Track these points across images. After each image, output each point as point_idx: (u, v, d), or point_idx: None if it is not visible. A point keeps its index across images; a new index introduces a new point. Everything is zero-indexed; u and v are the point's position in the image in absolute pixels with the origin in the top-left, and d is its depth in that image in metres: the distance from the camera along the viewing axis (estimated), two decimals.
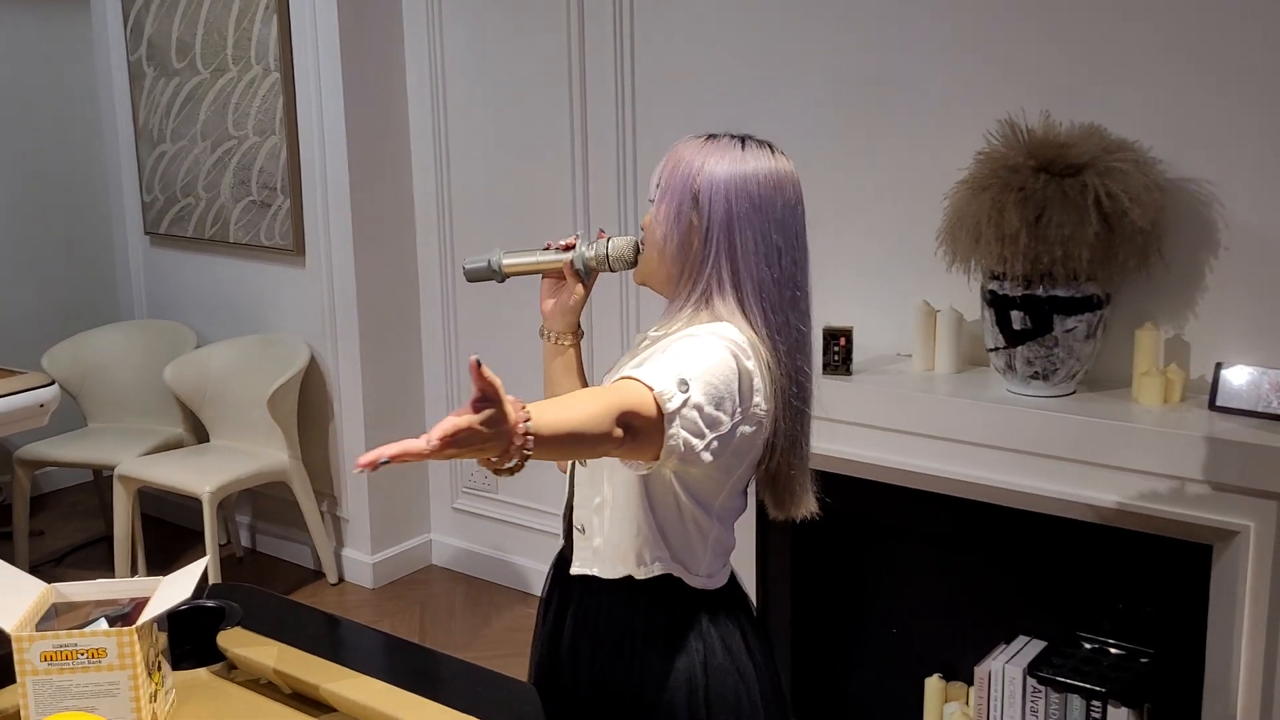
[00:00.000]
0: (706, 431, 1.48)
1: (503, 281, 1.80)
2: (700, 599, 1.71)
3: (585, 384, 1.85)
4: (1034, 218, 2.60)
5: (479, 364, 1.22)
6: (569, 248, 1.78)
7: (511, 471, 1.35)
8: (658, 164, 1.73)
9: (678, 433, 1.45)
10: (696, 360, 1.51)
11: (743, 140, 1.71)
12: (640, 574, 1.68)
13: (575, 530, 1.75)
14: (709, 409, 1.49)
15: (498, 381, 1.24)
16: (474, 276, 1.78)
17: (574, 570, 1.75)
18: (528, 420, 1.28)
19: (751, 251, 1.65)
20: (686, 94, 3.53)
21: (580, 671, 1.75)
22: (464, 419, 1.22)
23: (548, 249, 1.78)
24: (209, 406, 4.36)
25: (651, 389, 1.44)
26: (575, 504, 1.75)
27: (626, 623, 1.71)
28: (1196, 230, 2.76)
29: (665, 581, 1.68)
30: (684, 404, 1.45)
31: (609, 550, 1.70)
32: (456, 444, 1.22)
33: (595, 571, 1.72)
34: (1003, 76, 2.96)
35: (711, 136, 1.72)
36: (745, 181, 1.67)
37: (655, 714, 1.67)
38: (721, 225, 1.65)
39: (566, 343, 1.84)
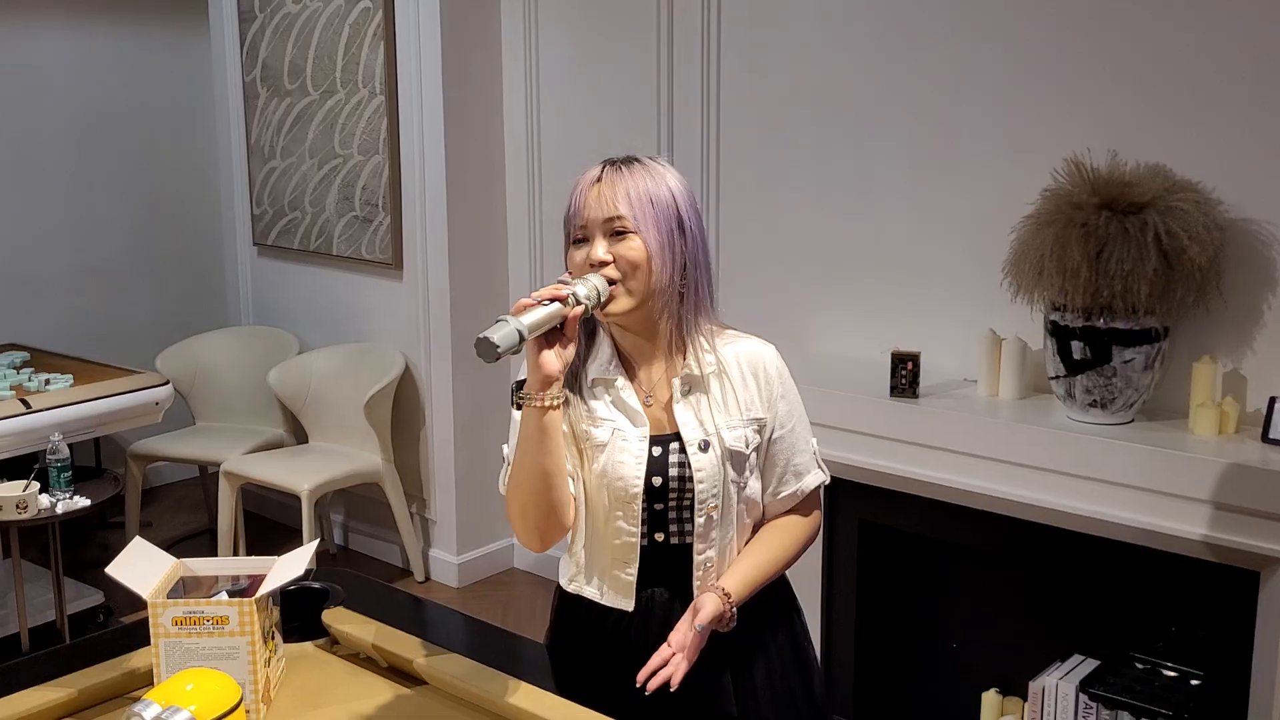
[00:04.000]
0: None
1: (518, 351, 1.65)
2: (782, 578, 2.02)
3: None
4: (1095, 253, 2.71)
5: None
6: (559, 298, 1.67)
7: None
8: (580, 198, 1.78)
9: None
10: (800, 402, 1.93)
11: (651, 157, 1.84)
12: None
13: (702, 571, 1.83)
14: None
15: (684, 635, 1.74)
16: (506, 349, 1.59)
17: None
18: (729, 599, 1.78)
19: (712, 262, 1.88)
20: (770, 122, 3.69)
21: (742, 678, 1.89)
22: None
23: (540, 305, 1.65)
24: (309, 409, 4.61)
25: (824, 484, 1.97)
26: (699, 551, 1.82)
27: (773, 621, 1.95)
28: (1257, 268, 2.85)
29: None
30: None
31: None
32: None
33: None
34: (1072, 117, 3.07)
35: (627, 161, 1.81)
36: (693, 198, 1.85)
37: (808, 678, 2.00)
38: (700, 246, 1.83)
39: (562, 400, 1.73)
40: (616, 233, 1.76)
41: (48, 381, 3.99)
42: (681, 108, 3.88)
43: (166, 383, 4.14)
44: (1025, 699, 3.10)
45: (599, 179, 1.79)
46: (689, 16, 3.81)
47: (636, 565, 1.82)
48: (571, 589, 1.89)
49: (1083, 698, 2.96)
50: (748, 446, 1.84)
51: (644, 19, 3.92)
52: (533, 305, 1.64)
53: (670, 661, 1.72)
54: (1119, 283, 2.69)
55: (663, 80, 3.92)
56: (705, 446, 1.80)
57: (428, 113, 4.29)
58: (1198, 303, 2.80)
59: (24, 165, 5.09)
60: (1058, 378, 2.92)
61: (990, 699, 3.21)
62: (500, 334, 1.58)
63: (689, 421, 1.81)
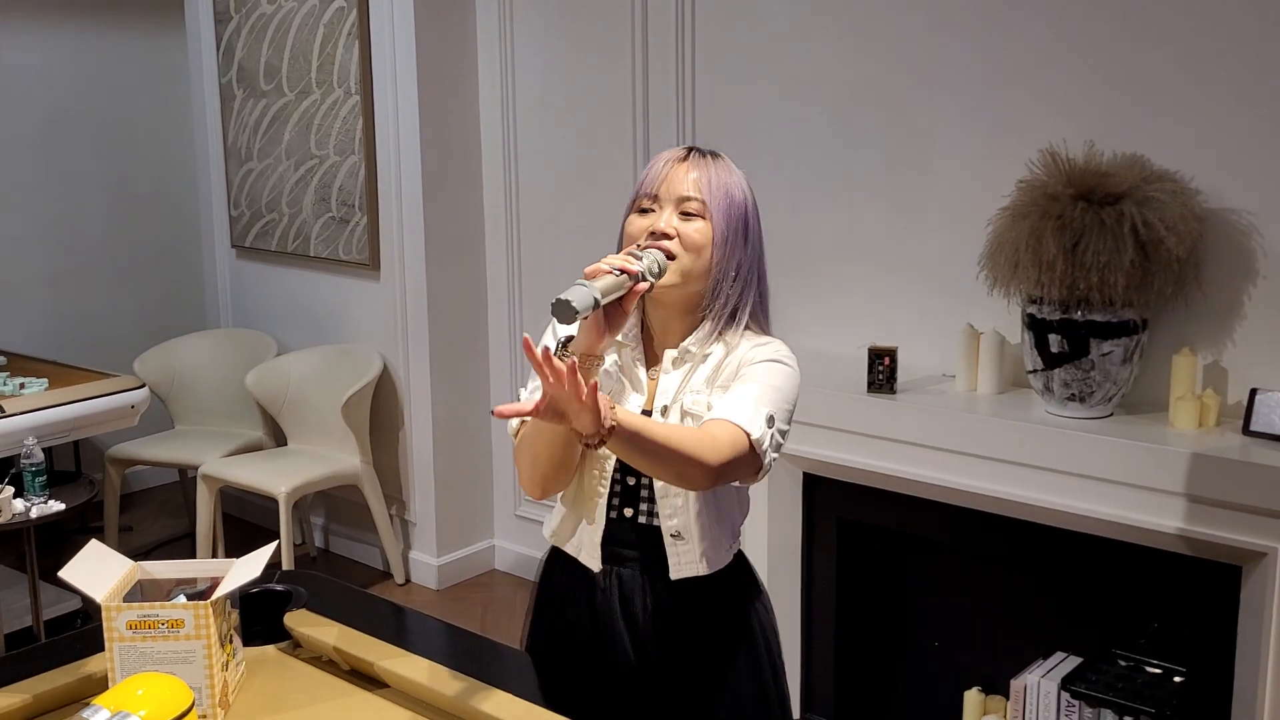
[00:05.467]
0: (782, 444, 1.78)
1: (588, 318, 1.67)
2: (743, 558, 1.98)
3: None
4: (1071, 245, 2.69)
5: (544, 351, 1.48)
6: (629, 272, 1.68)
7: (594, 447, 1.58)
8: (661, 170, 1.80)
9: (769, 462, 1.74)
10: (781, 388, 1.77)
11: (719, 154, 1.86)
12: (731, 556, 1.91)
13: (670, 539, 1.84)
14: (785, 427, 1.78)
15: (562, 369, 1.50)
16: (584, 312, 1.61)
17: (678, 575, 1.85)
18: (612, 409, 1.55)
19: (767, 274, 1.88)
20: (743, 121, 3.66)
21: (702, 659, 1.88)
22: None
23: (611, 273, 1.66)
24: (287, 412, 4.57)
25: (749, 434, 1.69)
26: (664, 515, 1.83)
27: (741, 602, 1.94)
28: (1236, 259, 2.83)
29: (739, 555, 1.95)
30: (772, 437, 1.73)
31: (715, 548, 1.86)
32: (551, 409, 1.52)
33: (703, 570, 1.86)
34: (1048, 107, 3.05)
35: (714, 153, 1.84)
36: (758, 209, 1.85)
37: (773, 659, 1.96)
38: (759, 254, 1.85)
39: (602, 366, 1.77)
40: (686, 213, 1.79)
41: (22, 385, 3.95)
42: (657, 105, 3.86)
43: (142, 386, 4.10)
44: (1007, 697, 3.08)
45: (685, 159, 1.82)
46: (664, 14, 3.78)
47: (602, 525, 1.86)
48: (552, 541, 1.95)
49: (1065, 695, 2.94)
50: (709, 411, 1.80)
51: (619, 18, 3.90)
52: (605, 272, 1.66)
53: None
54: (1095, 275, 2.66)
55: (638, 77, 3.89)
56: (665, 412, 1.82)
57: (403, 112, 4.25)
58: (1176, 294, 2.78)
59: None
60: (1036, 371, 2.90)
61: (972, 697, 3.19)
62: (578, 297, 1.61)
63: (664, 390, 1.84)
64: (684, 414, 1.81)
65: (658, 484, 1.82)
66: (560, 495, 1.92)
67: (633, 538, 1.87)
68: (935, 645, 3.33)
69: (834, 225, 3.52)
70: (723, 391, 1.79)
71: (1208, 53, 2.82)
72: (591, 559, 1.88)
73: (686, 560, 1.85)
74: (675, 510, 1.83)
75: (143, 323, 5.36)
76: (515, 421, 1.85)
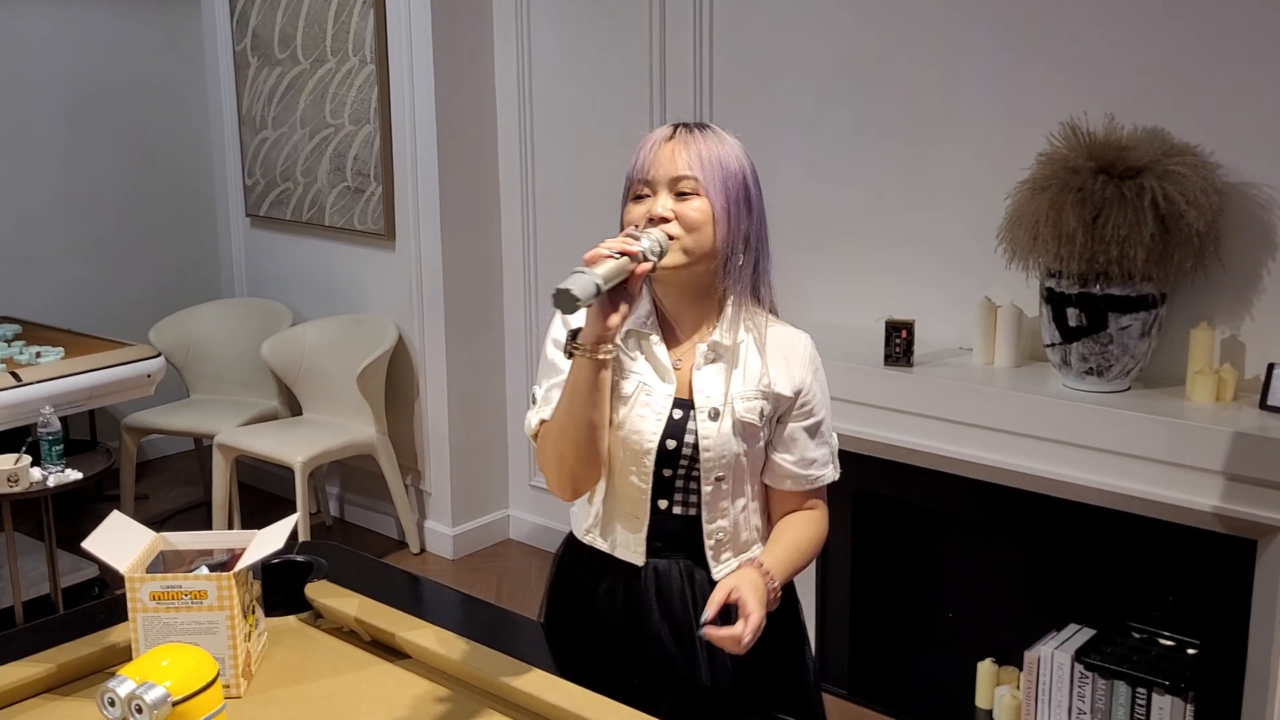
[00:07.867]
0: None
1: (592, 306, 1.63)
2: None
3: None
4: (1091, 218, 2.68)
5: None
6: (629, 253, 1.62)
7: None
8: (649, 154, 1.77)
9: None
10: (828, 394, 1.88)
11: (722, 127, 1.82)
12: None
13: (715, 543, 1.82)
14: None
15: (725, 596, 1.68)
16: (586, 300, 1.55)
17: (721, 576, 1.81)
18: (772, 580, 1.73)
19: (769, 247, 1.84)
20: (763, 90, 3.65)
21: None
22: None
23: (611, 257, 1.61)
24: (302, 381, 4.59)
25: (831, 482, 1.88)
26: (708, 520, 1.81)
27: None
28: (1255, 233, 2.81)
29: None
30: (836, 454, 1.90)
31: (752, 536, 1.87)
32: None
33: (737, 562, 1.84)
34: (1068, 80, 3.03)
35: (701, 126, 1.80)
36: (758, 178, 1.81)
37: (802, 636, 1.99)
38: (763, 224, 1.80)
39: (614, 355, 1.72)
40: (682, 193, 1.74)
41: (39, 354, 3.96)
42: (674, 75, 3.84)
43: (158, 355, 4.12)
44: (1021, 669, 3.09)
45: (671, 138, 1.78)
46: None
47: (647, 522, 1.82)
48: (586, 540, 1.89)
49: (1079, 667, 2.95)
50: (760, 418, 1.79)
51: None
52: (605, 257, 1.60)
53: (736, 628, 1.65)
54: (1115, 248, 2.65)
55: (655, 48, 3.86)
56: (715, 415, 1.78)
57: (418, 82, 4.24)
58: (1195, 268, 2.77)
59: (14, 139, 5.04)
60: (1053, 345, 2.89)
61: (986, 669, 3.21)
62: (579, 285, 1.53)
63: (703, 389, 1.79)
64: (739, 423, 1.78)
65: (705, 489, 1.80)
66: (592, 495, 1.87)
67: (670, 527, 1.83)
68: (949, 617, 3.34)
69: (852, 197, 3.50)
70: (770, 398, 1.80)
71: (1229, 26, 2.80)
72: (634, 554, 1.84)
73: (725, 557, 1.84)
74: (720, 514, 1.82)
75: (158, 292, 5.36)
76: (534, 421, 1.82)
